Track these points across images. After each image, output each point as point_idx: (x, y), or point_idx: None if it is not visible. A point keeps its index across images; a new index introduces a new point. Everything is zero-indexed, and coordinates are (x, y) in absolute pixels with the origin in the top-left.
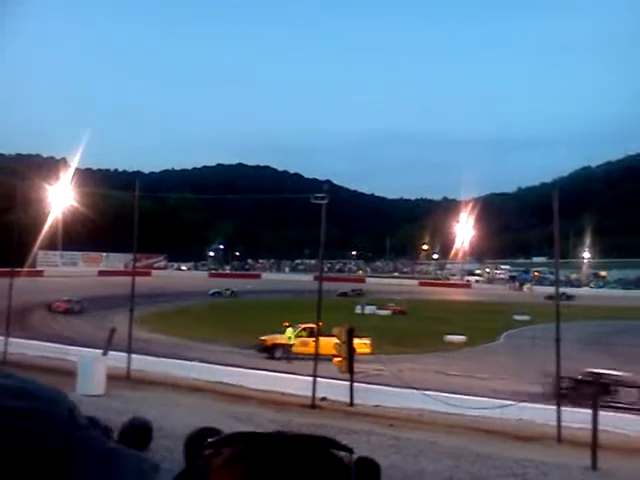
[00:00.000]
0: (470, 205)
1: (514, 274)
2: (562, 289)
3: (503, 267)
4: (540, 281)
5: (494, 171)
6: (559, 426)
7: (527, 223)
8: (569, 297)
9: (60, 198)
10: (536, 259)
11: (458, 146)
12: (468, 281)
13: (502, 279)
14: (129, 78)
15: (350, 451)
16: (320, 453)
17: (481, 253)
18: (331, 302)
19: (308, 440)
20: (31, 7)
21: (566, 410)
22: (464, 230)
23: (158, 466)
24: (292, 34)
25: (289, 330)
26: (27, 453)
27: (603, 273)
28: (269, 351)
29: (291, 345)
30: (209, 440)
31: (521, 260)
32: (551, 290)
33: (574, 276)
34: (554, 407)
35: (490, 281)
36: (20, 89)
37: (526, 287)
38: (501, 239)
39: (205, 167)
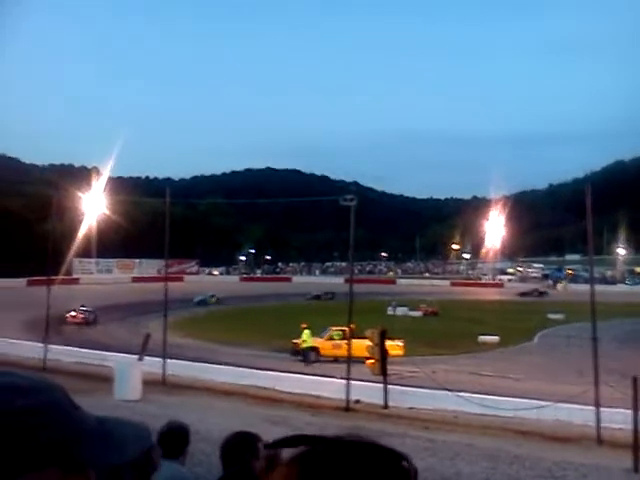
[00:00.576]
0: (500, 203)
1: (547, 272)
2: (541, 285)
3: (536, 265)
4: (574, 279)
5: (524, 168)
6: (598, 427)
7: (559, 220)
8: (541, 293)
9: (93, 206)
10: (569, 256)
11: (487, 143)
12: (500, 280)
13: (535, 278)
14: (158, 87)
15: (409, 461)
16: (378, 460)
17: (513, 252)
18: (362, 304)
19: (363, 446)
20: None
21: (605, 410)
22: (495, 228)
23: (148, 429)
24: (317, 36)
25: (306, 332)
26: (45, 447)
27: (639, 269)
28: (302, 354)
29: (311, 347)
30: (270, 442)
31: (554, 258)
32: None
33: (609, 273)
34: (592, 407)
35: (523, 280)
36: (53, 101)
37: (561, 285)
38: (533, 237)
39: (234, 172)
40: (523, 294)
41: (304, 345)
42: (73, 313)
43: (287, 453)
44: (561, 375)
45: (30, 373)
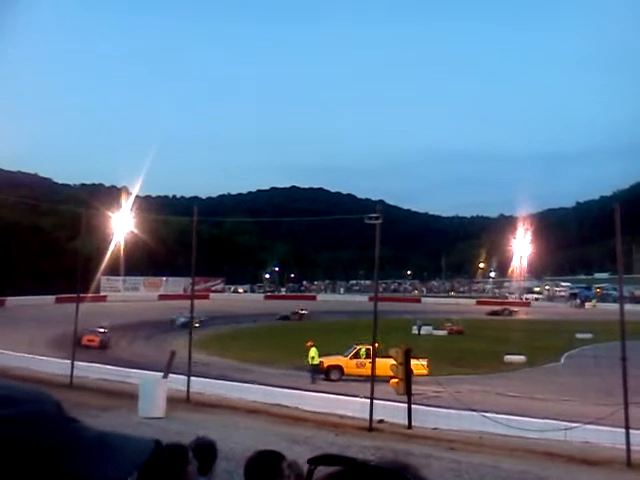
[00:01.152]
0: (527, 221)
1: (575, 291)
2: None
3: (563, 284)
4: (603, 298)
5: (552, 186)
6: (628, 449)
7: (587, 238)
8: (511, 312)
9: (122, 225)
10: (598, 275)
11: (513, 162)
12: (527, 299)
13: (562, 296)
14: (186, 107)
15: None
16: None
17: (540, 270)
18: (386, 323)
19: (391, 474)
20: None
21: (635, 432)
22: (522, 247)
23: (156, 441)
24: (344, 55)
25: (313, 350)
26: (27, 457)
27: None
28: (325, 373)
29: (316, 365)
30: (313, 457)
31: (582, 276)
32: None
33: (639, 292)
34: (622, 429)
35: (550, 299)
36: (84, 122)
37: (591, 304)
38: (560, 255)
39: (260, 191)
40: (493, 313)
41: (313, 362)
42: (90, 336)
43: (319, 472)
44: (589, 396)
45: (21, 384)
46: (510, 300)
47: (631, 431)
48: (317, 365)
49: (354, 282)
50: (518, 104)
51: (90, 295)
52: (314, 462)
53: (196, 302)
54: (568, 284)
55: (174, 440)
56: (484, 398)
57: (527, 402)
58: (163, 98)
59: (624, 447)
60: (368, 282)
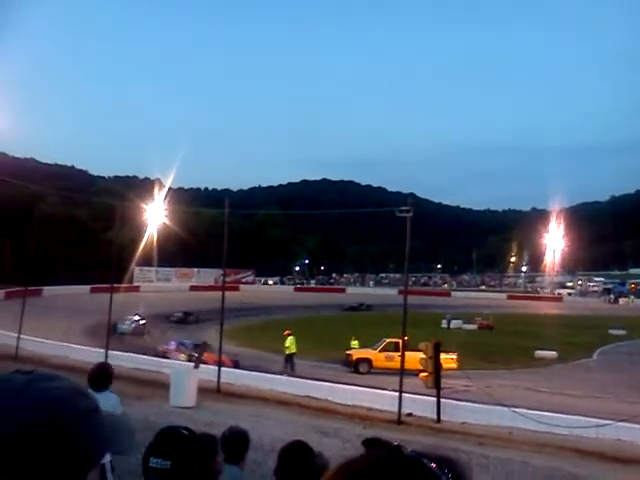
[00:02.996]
0: (560, 215)
1: (609, 286)
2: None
3: (597, 279)
4: (638, 293)
5: (585, 179)
6: None
7: (621, 232)
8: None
9: (155, 216)
10: (633, 270)
11: (547, 154)
12: (559, 294)
13: (596, 292)
14: (217, 101)
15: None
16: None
17: (573, 265)
18: (416, 316)
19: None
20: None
21: None
22: (554, 241)
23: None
24: (370, 51)
25: (289, 339)
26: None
27: None
28: (354, 365)
29: (292, 354)
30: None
31: (616, 272)
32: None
33: None
34: None
35: (583, 294)
36: (119, 116)
37: (629, 299)
38: (594, 250)
39: (290, 183)
40: (350, 308)
41: (288, 352)
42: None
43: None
44: (622, 393)
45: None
46: (542, 295)
47: None
48: (292, 354)
49: (383, 275)
50: (552, 96)
51: (124, 285)
52: (367, 444)
53: (226, 293)
54: (601, 279)
55: (204, 430)
56: (514, 393)
57: (558, 398)
58: (196, 92)
59: None
60: (398, 275)
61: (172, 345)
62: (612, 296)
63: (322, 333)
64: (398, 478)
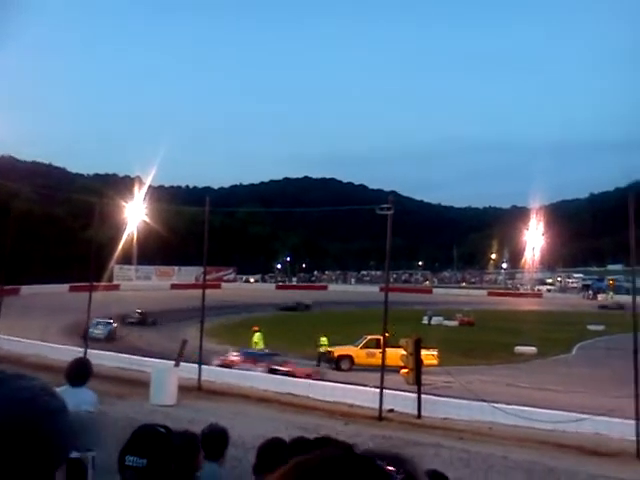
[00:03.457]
0: (540, 212)
1: (588, 283)
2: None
3: (576, 276)
4: (615, 289)
5: (565, 177)
6: (638, 441)
7: (601, 230)
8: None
9: (135, 214)
10: (611, 267)
11: (527, 152)
12: (539, 290)
13: (575, 288)
14: (197, 97)
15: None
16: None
17: (552, 262)
18: (397, 313)
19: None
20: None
21: None
22: (534, 238)
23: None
24: (354, 47)
25: (257, 335)
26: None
27: None
28: (335, 362)
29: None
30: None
31: (595, 268)
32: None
33: None
34: (633, 421)
35: (562, 290)
36: (98, 113)
37: (609, 296)
38: (573, 247)
39: (272, 181)
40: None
41: (256, 348)
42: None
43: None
44: (600, 387)
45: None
46: (522, 291)
47: None
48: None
49: (365, 272)
50: (533, 95)
51: (103, 284)
52: (319, 443)
53: (207, 291)
54: (580, 275)
55: (184, 427)
56: (494, 389)
57: (537, 393)
58: (176, 89)
59: (634, 439)
60: (379, 273)
61: (236, 355)
62: (591, 292)
63: (303, 330)
64: (350, 477)
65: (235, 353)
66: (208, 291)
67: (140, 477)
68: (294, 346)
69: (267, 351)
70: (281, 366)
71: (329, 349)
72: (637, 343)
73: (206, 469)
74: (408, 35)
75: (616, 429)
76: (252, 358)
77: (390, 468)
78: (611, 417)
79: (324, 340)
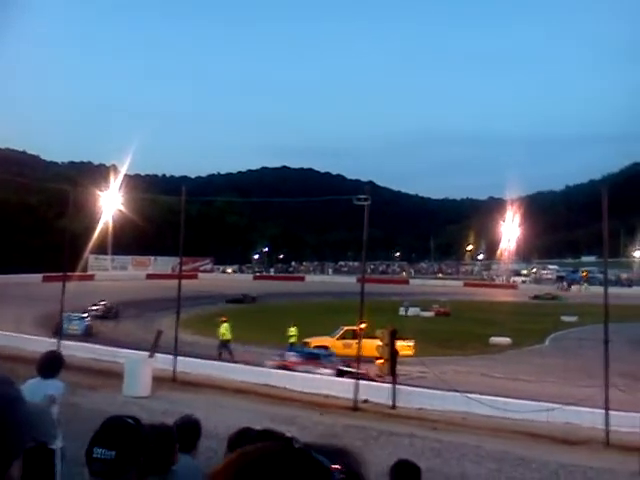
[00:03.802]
0: (516, 204)
1: (562, 274)
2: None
3: (550, 267)
4: (589, 281)
5: (541, 169)
6: (607, 430)
7: (575, 222)
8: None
9: (110, 203)
10: (585, 258)
11: (504, 145)
12: (514, 282)
13: (550, 279)
14: (175, 85)
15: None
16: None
17: (528, 253)
18: (374, 304)
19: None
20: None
21: (614, 414)
22: (510, 230)
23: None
24: (332, 38)
25: (224, 326)
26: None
27: None
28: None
29: (226, 341)
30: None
31: (569, 260)
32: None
33: (625, 275)
34: (602, 410)
35: (537, 281)
36: (73, 100)
37: (581, 287)
38: (548, 238)
39: (250, 171)
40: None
41: (223, 338)
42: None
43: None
44: (572, 377)
45: None
46: (497, 282)
47: (610, 412)
48: (227, 341)
49: (342, 263)
50: (510, 87)
51: (77, 274)
52: (260, 436)
53: (184, 282)
54: (555, 267)
55: (158, 419)
56: (469, 379)
57: (511, 383)
58: (154, 77)
59: (603, 427)
60: (357, 263)
61: (293, 355)
62: (565, 283)
63: (282, 322)
64: (288, 471)
65: (291, 353)
66: (184, 281)
67: (108, 469)
68: (266, 337)
69: (325, 351)
70: (350, 367)
71: (306, 340)
72: (607, 334)
73: (180, 461)
74: (387, 29)
75: (586, 418)
76: (313, 358)
77: (333, 466)
78: (581, 406)
79: (293, 330)
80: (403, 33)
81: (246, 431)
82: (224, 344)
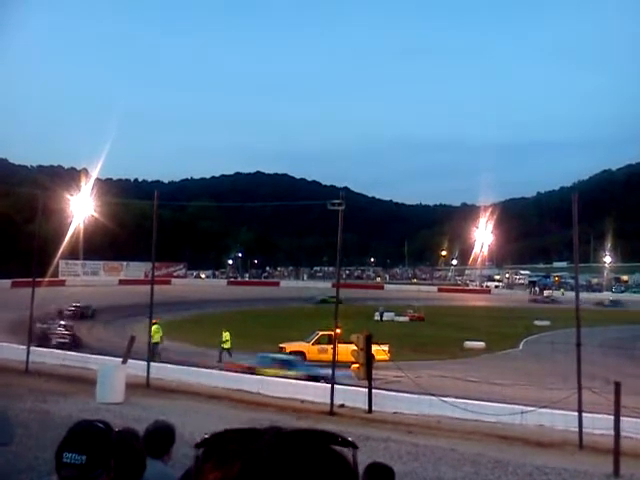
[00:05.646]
0: (489, 210)
1: (534, 279)
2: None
3: (523, 272)
4: (560, 286)
5: (513, 176)
6: (581, 432)
7: (547, 228)
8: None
9: (81, 208)
10: (557, 264)
11: (477, 151)
12: (487, 287)
13: (522, 284)
14: (148, 88)
15: (354, 446)
16: (321, 449)
17: (500, 259)
18: (349, 309)
19: (307, 435)
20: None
21: (588, 416)
22: (483, 235)
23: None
24: (306, 41)
25: (155, 327)
26: None
27: (625, 277)
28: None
29: (156, 343)
30: (199, 440)
31: (541, 265)
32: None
33: (595, 280)
34: (575, 413)
35: (510, 286)
36: (42, 102)
37: (560, 292)
38: (521, 244)
39: (224, 176)
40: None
41: (152, 341)
42: None
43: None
44: (545, 381)
45: None
46: (471, 287)
47: (583, 414)
48: (156, 343)
49: (317, 268)
50: (483, 94)
51: (47, 279)
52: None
53: (157, 287)
54: (527, 272)
55: (132, 425)
56: (444, 383)
57: (485, 387)
58: (126, 79)
59: (577, 430)
60: (331, 269)
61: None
62: (537, 289)
63: (256, 327)
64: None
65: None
66: (157, 287)
67: (79, 474)
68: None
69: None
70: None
71: (281, 345)
72: (580, 337)
73: (149, 467)
74: (361, 33)
75: (560, 421)
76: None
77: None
78: (555, 409)
79: (226, 335)
80: (376, 39)
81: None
82: (154, 344)
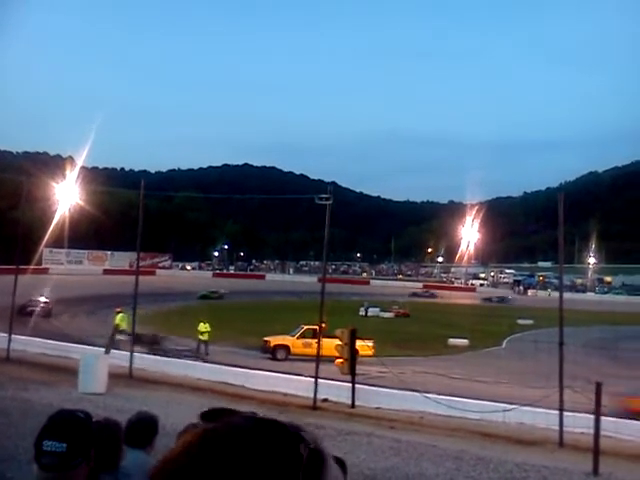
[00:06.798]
0: (476, 209)
1: (519, 278)
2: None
3: (508, 271)
4: (545, 286)
5: (500, 175)
6: (561, 430)
7: (533, 227)
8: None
9: (66, 196)
10: (541, 263)
11: (465, 149)
12: (472, 285)
13: (507, 283)
14: (137, 78)
15: (318, 451)
16: (279, 443)
17: (486, 257)
18: (334, 304)
19: (272, 425)
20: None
21: (568, 415)
22: (469, 233)
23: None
24: (297, 35)
25: (119, 316)
26: None
27: (608, 279)
28: (271, 352)
29: (121, 331)
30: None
31: (526, 264)
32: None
33: (579, 281)
34: (556, 412)
35: (495, 285)
36: (28, 88)
37: (547, 293)
38: (506, 243)
39: (211, 167)
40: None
41: (118, 329)
42: None
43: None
44: (527, 379)
45: None
46: (456, 285)
47: (564, 413)
48: (122, 331)
49: (304, 263)
50: (473, 92)
51: (31, 267)
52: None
53: (141, 278)
54: (512, 271)
55: (114, 416)
56: (427, 379)
57: (468, 384)
58: (114, 67)
59: (557, 428)
60: (317, 263)
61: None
62: (522, 287)
63: (242, 320)
64: (259, 440)
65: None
66: (142, 278)
67: (59, 462)
68: (234, 334)
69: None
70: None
71: (265, 338)
72: (562, 337)
73: (130, 457)
74: (348, 27)
75: (541, 419)
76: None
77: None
78: (536, 407)
79: (205, 327)
80: (366, 33)
81: (195, 427)
82: (119, 332)
